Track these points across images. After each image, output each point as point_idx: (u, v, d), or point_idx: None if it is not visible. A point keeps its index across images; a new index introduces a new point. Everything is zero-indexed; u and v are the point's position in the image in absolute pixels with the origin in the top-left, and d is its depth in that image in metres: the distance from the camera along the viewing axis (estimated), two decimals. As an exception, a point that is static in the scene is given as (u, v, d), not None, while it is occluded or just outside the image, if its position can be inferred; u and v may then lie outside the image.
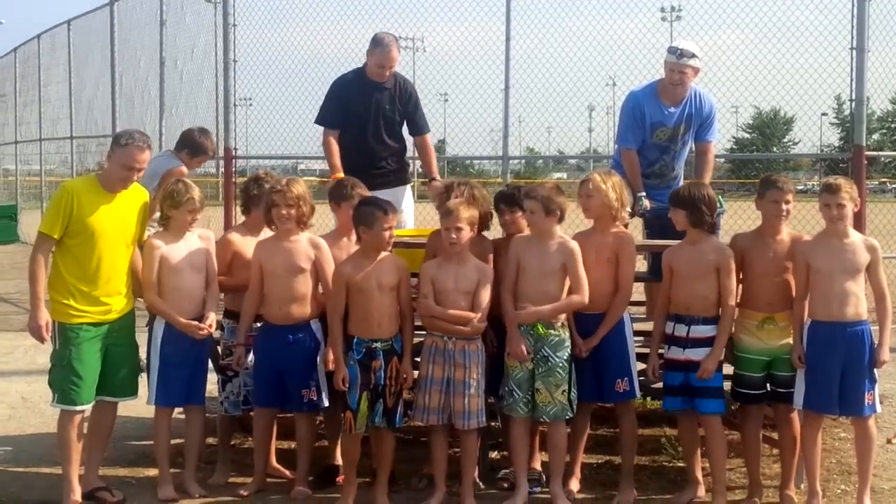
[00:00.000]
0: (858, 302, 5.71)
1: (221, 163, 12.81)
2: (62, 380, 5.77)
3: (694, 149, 7.96)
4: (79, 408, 5.79)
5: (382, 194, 6.74)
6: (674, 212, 5.99)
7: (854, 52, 10.07)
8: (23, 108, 24.41)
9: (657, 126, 7.62)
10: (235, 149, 12.69)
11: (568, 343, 5.90)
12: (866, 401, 5.72)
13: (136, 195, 5.99)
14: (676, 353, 5.95)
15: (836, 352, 5.67)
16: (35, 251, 5.77)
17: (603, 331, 5.96)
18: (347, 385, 5.82)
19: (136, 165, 5.79)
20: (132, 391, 6.02)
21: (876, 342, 5.74)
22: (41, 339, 5.76)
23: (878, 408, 5.88)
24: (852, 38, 10.13)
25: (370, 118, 7.93)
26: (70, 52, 19.83)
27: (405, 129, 8.24)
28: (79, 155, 20.55)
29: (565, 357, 5.87)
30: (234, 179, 12.64)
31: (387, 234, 5.81)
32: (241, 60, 12.59)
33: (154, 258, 5.93)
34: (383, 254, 5.89)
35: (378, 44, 7.88)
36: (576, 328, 6.03)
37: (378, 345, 5.84)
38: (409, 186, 8.47)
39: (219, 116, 12.89)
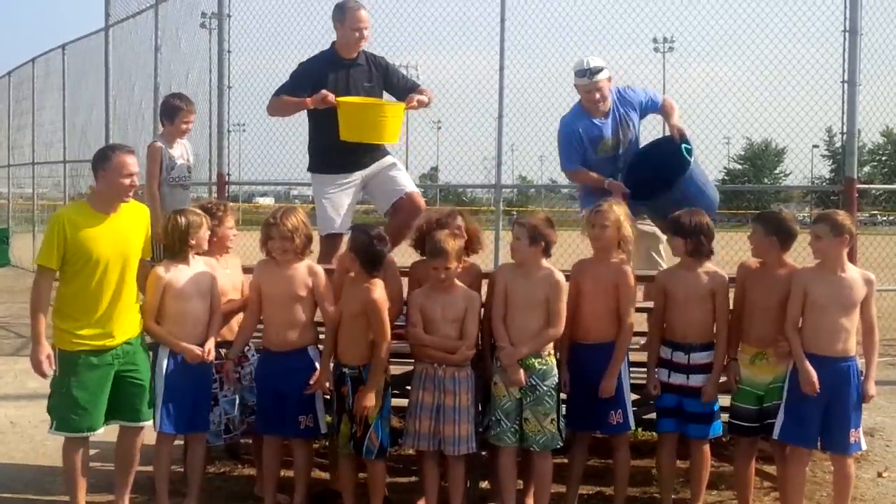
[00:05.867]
0: (849, 338, 5.71)
1: (214, 188, 12.81)
2: (61, 407, 5.73)
3: (661, 111, 7.91)
4: (79, 435, 5.75)
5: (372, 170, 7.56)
6: (673, 240, 6.03)
7: (845, 85, 10.12)
8: (16, 132, 24.40)
9: (597, 141, 7.66)
10: (228, 174, 12.68)
11: (555, 371, 5.93)
12: (851, 439, 5.72)
13: (134, 212, 5.94)
14: (679, 380, 6.00)
15: (821, 386, 5.65)
16: (35, 284, 5.71)
17: (614, 370, 5.95)
18: (320, 388, 5.99)
19: (134, 170, 5.76)
20: (150, 415, 5.97)
21: (863, 377, 5.76)
22: (43, 374, 5.69)
23: (863, 445, 5.87)
24: (844, 71, 10.18)
25: (349, 95, 7.67)
26: (64, 76, 19.86)
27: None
28: (71, 179, 20.53)
29: (553, 385, 5.90)
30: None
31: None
32: (236, 86, 12.61)
33: (158, 287, 5.94)
34: (364, 284, 5.85)
35: (342, 10, 7.69)
36: (572, 359, 6.06)
37: (346, 370, 5.89)
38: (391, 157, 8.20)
39: (212, 142, 12.87)
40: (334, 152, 7.77)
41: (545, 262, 5.92)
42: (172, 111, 8.49)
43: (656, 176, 7.32)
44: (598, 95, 7.56)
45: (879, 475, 7.00)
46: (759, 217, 6.05)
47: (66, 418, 5.72)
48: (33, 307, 5.67)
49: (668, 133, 7.75)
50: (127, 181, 5.73)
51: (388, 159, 8.01)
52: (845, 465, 5.81)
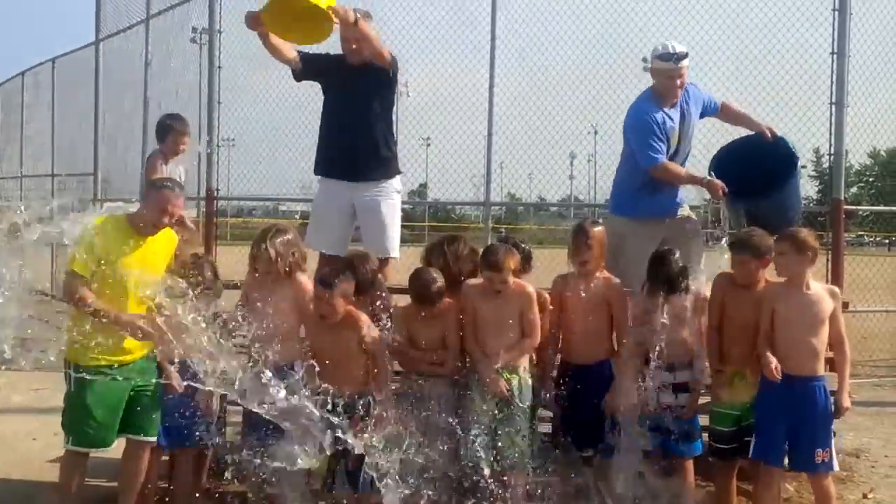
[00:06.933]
0: (817, 357, 5.69)
1: (202, 203, 12.80)
2: (78, 422, 5.68)
3: (721, 115, 7.64)
4: (93, 449, 5.72)
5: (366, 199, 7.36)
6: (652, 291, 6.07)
7: (833, 106, 10.18)
8: (4, 145, 24.34)
9: (670, 134, 7.24)
10: (217, 189, 12.68)
11: (530, 391, 5.98)
12: (819, 458, 5.68)
13: (165, 239, 5.93)
14: (668, 399, 6.01)
15: (787, 405, 5.66)
16: (68, 286, 5.59)
17: (619, 387, 5.99)
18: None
19: (170, 209, 5.73)
20: (156, 430, 5.94)
21: (833, 397, 5.74)
22: (150, 337, 5.57)
23: (836, 466, 5.82)
24: (832, 92, 10.24)
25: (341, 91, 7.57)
26: (54, 90, 19.82)
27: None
28: (59, 192, 20.48)
29: (528, 405, 5.94)
30: (215, 220, 12.64)
31: (320, 305, 5.79)
32: (226, 102, 12.61)
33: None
34: (344, 316, 5.82)
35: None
36: (566, 380, 6.08)
37: (339, 402, 5.66)
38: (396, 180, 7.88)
39: (201, 157, 12.87)
40: (325, 149, 7.70)
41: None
42: (163, 131, 8.51)
43: (746, 175, 6.96)
44: (679, 82, 7.16)
45: (864, 496, 6.98)
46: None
47: (82, 433, 5.67)
48: (84, 302, 5.53)
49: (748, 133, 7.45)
50: (160, 216, 5.73)
51: (383, 195, 7.70)
52: (820, 486, 5.79)
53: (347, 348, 5.80)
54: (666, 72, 7.12)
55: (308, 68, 7.57)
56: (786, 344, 5.72)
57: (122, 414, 5.76)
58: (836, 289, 5.90)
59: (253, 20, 6.88)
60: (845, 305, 7.84)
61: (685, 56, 7.12)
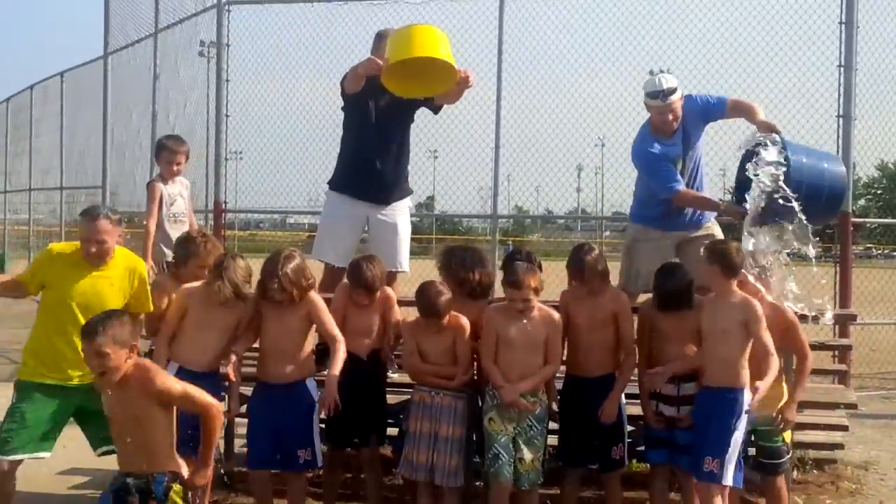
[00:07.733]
0: (725, 366, 5.59)
1: (211, 216, 12.83)
2: (7, 430, 5.74)
3: (728, 112, 7.32)
4: (24, 456, 5.74)
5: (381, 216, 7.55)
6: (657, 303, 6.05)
7: (841, 119, 10.18)
8: (13, 158, 24.45)
9: (676, 159, 7.23)
10: (225, 202, 12.71)
11: (545, 410, 5.97)
12: (707, 466, 5.54)
13: (124, 268, 5.91)
14: (670, 412, 5.97)
15: (702, 416, 5.65)
16: None
17: (617, 395, 5.98)
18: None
19: (95, 237, 5.73)
20: None
21: (749, 407, 5.57)
22: None
23: (726, 480, 5.54)
24: (839, 105, 10.25)
25: (374, 121, 7.62)
26: (62, 103, 19.90)
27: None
28: (68, 205, 20.55)
29: (544, 424, 5.94)
30: (223, 233, 12.68)
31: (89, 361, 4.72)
32: (233, 115, 12.65)
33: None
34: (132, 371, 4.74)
35: (380, 38, 7.57)
36: (573, 394, 6.10)
37: (131, 480, 4.73)
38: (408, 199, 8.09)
39: (209, 170, 12.91)
40: (352, 170, 7.74)
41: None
42: (158, 150, 8.51)
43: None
44: (670, 117, 7.13)
45: (874, 509, 6.98)
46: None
47: (7, 439, 5.69)
48: None
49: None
50: (86, 245, 5.76)
51: (398, 212, 7.85)
52: (702, 496, 5.64)
53: (143, 412, 4.72)
54: (657, 108, 7.16)
55: (361, 91, 7.50)
56: (705, 353, 5.74)
57: (98, 429, 5.74)
58: (751, 300, 5.64)
59: (370, 69, 7.12)
60: (853, 318, 7.84)
61: (674, 91, 7.10)
